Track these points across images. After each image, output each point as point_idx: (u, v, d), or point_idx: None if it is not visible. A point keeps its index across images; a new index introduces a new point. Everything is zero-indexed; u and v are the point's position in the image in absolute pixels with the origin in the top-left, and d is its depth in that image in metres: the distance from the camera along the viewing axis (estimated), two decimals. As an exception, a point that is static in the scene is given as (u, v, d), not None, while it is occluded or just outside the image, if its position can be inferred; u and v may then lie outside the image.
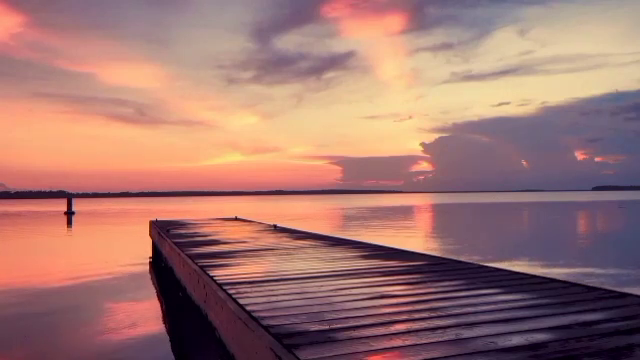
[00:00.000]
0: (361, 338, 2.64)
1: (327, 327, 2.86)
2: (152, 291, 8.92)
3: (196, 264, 5.60)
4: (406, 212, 41.81)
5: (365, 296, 3.77)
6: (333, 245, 7.56)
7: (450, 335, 2.67)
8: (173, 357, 5.33)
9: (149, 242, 13.84)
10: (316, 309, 3.33)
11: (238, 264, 5.66)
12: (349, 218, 33.27)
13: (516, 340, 2.55)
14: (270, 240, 8.49)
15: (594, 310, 3.20)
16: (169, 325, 6.52)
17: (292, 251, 6.86)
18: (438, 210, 46.92)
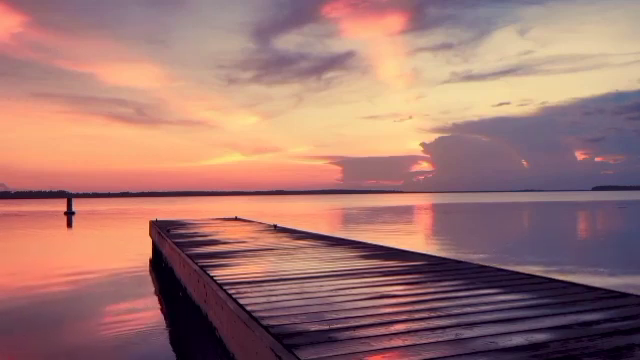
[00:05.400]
0: (361, 338, 2.64)
1: (327, 327, 2.86)
2: (152, 291, 8.91)
3: (196, 264, 5.60)
4: (406, 212, 41.81)
5: (365, 296, 3.78)
6: (333, 245, 7.56)
7: (450, 335, 2.68)
8: (173, 357, 5.33)
9: (149, 242, 13.85)
10: (316, 309, 3.33)
11: (238, 264, 5.67)
12: (349, 218, 33.27)
13: (516, 340, 2.56)
14: (270, 240, 8.50)
15: (594, 310, 3.20)
16: (169, 325, 6.52)
17: (292, 251, 6.86)
18: (438, 210, 46.92)
